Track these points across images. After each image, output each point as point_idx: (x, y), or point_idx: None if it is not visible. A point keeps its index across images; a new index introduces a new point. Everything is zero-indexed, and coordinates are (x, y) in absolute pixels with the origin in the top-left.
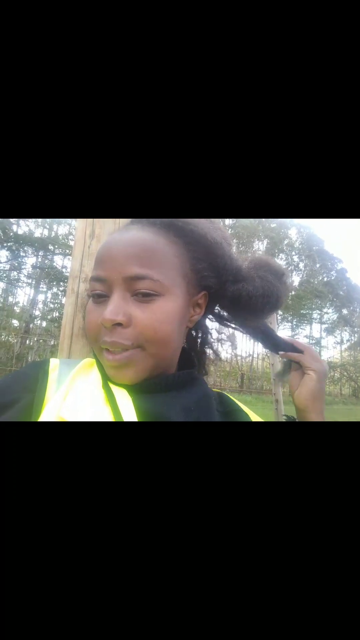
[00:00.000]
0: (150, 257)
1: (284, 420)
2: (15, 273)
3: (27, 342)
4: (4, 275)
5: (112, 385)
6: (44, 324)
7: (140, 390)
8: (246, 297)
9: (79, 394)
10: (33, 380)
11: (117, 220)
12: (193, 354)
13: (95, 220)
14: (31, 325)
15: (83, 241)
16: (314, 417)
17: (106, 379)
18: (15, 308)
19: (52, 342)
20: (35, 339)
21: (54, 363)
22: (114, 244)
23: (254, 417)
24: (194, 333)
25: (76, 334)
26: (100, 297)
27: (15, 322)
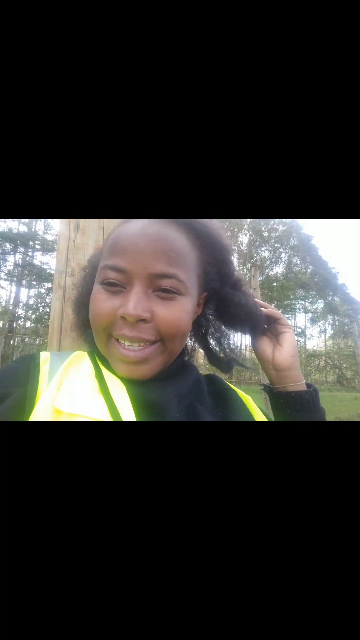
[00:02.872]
0: (177, 257)
1: (261, 390)
2: None
3: (11, 342)
4: None
5: (105, 375)
6: (28, 324)
7: (135, 381)
8: (237, 306)
9: (72, 384)
10: (24, 373)
11: None
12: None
13: None
14: (15, 325)
15: (67, 234)
16: (296, 373)
17: (99, 369)
18: None
19: (37, 342)
20: (20, 338)
21: (44, 356)
22: (139, 236)
23: (243, 395)
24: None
25: (65, 328)
26: (114, 286)
27: None
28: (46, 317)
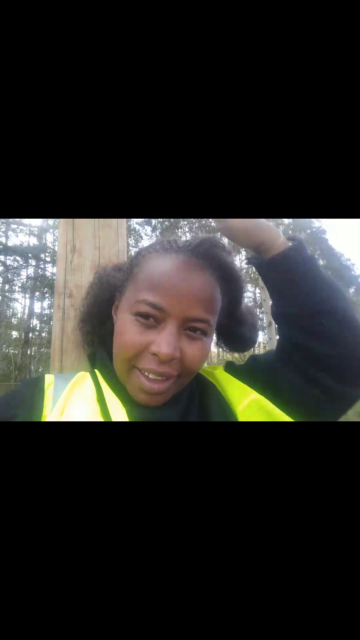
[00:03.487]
0: (212, 305)
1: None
2: (7, 286)
3: (28, 352)
4: None
5: (106, 399)
6: (44, 334)
7: (133, 401)
8: (237, 337)
9: (75, 409)
10: (29, 397)
11: (96, 234)
12: None
13: (75, 234)
14: (30, 336)
15: (65, 256)
16: (260, 232)
17: (101, 392)
18: (12, 320)
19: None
20: (35, 348)
21: (48, 380)
22: (181, 279)
23: (215, 381)
24: None
25: (66, 349)
26: (147, 319)
27: (15, 334)
28: None
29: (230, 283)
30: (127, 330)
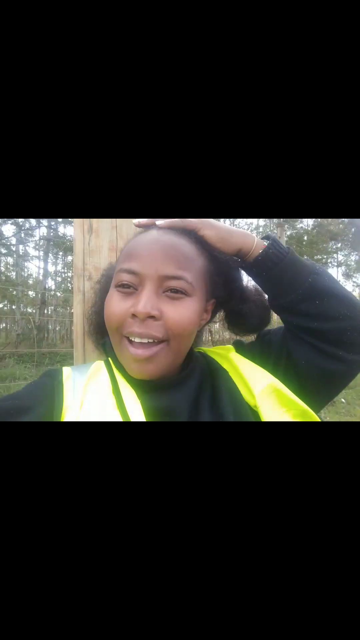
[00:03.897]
0: (185, 261)
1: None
2: (22, 247)
3: (45, 311)
4: (12, 249)
5: (121, 389)
6: (59, 293)
7: (148, 390)
8: (244, 316)
9: (92, 403)
10: (50, 389)
11: None
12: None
13: None
14: (47, 296)
15: (82, 237)
16: (236, 240)
17: (115, 383)
18: (29, 281)
19: (69, 310)
20: (52, 308)
21: (67, 372)
22: (152, 242)
23: (227, 367)
24: None
25: (88, 331)
26: (127, 288)
27: (31, 293)
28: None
29: (213, 251)
30: (110, 301)
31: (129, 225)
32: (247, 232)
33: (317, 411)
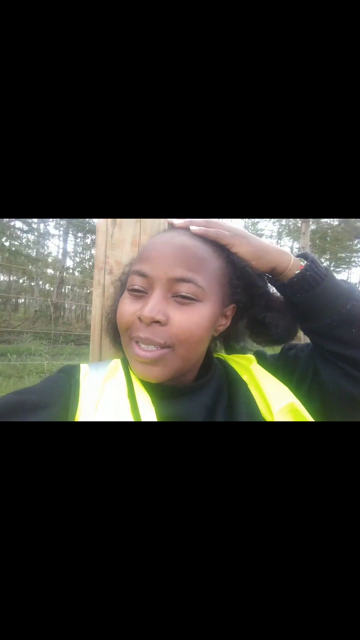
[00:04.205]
0: (197, 263)
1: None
2: (42, 225)
3: (63, 290)
4: (33, 227)
5: (136, 393)
6: (76, 273)
7: (163, 396)
8: (267, 326)
9: (108, 405)
10: (67, 387)
11: None
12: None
13: None
14: (65, 274)
15: (105, 229)
16: (273, 256)
17: (131, 386)
18: (48, 259)
19: (85, 290)
20: (69, 287)
21: (84, 370)
22: (163, 244)
23: (246, 378)
24: None
25: (105, 327)
26: (138, 292)
27: (50, 271)
28: (87, 272)
29: (232, 255)
30: (121, 303)
31: (152, 220)
32: (283, 249)
33: None
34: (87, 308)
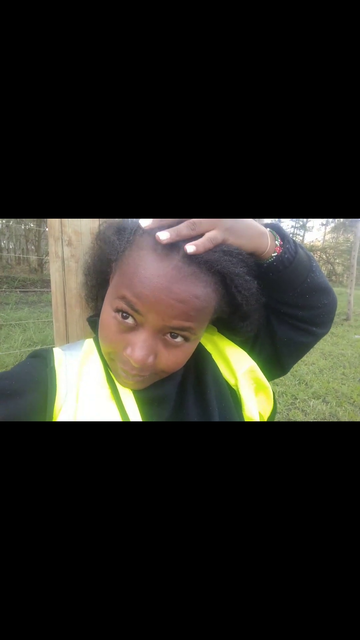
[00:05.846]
0: (196, 313)
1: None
2: None
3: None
4: None
5: (114, 378)
6: None
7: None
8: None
9: (88, 394)
10: (42, 375)
11: None
12: None
13: None
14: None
15: None
16: (258, 241)
17: (109, 371)
18: None
19: (23, 226)
20: (3, 221)
21: (58, 356)
22: (164, 290)
23: (210, 348)
24: None
25: (69, 303)
26: (126, 318)
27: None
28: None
29: (232, 288)
30: (107, 325)
31: None
32: (262, 231)
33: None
34: (28, 247)
